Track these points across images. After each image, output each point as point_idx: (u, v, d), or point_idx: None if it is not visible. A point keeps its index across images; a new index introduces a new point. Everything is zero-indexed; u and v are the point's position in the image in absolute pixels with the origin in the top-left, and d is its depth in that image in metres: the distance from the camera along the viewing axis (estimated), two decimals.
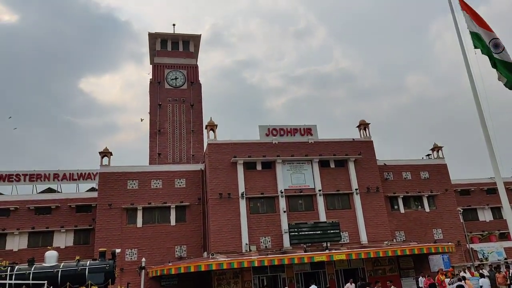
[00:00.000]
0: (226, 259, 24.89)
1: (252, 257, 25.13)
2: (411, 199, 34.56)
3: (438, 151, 37.02)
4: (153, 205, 30.46)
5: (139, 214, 30.11)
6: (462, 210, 33.57)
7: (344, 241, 29.69)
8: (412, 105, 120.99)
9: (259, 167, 31.00)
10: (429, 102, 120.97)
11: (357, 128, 34.65)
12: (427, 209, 34.34)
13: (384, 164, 34.69)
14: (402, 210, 33.81)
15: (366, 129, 34.27)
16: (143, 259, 23.41)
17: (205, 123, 34.38)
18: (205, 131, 33.92)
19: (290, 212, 30.19)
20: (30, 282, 18.95)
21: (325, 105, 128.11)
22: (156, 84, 41.11)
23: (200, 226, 30.91)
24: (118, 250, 21.81)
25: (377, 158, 33.63)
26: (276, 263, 25.19)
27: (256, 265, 24.95)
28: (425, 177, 35.37)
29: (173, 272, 25.21)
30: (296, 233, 28.30)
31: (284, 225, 29.25)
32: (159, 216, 30.68)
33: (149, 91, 41.16)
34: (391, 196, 33.83)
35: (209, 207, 29.50)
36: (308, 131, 32.83)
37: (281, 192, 30.27)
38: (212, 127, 31.72)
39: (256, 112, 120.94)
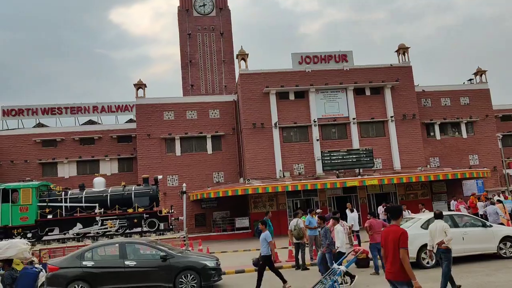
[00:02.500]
0: (261, 184, 26.04)
1: (286, 182, 26.14)
2: (448, 125, 33.78)
3: (481, 76, 35.19)
4: (189, 135, 31.53)
5: (177, 144, 31.40)
6: (501, 136, 32.62)
7: (376, 167, 30.00)
8: (459, 26, 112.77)
9: (292, 97, 30.86)
10: (478, 23, 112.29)
11: (396, 53, 33.16)
12: (464, 135, 33.61)
13: (423, 90, 33.57)
14: (438, 136, 33.27)
15: (406, 53, 32.75)
16: (184, 184, 24.82)
17: (236, 52, 33.94)
18: (236, 61, 33.60)
19: (323, 140, 30.45)
20: (83, 204, 20.81)
21: (363, 29, 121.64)
22: (184, 12, 40.22)
23: (235, 154, 31.98)
24: (160, 177, 23.18)
25: (415, 84, 32.54)
26: (309, 187, 26.17)
27: (289, 189, 26.05)
28: (465, 103, 34.12)
29: (212, 196, 26.85)
30: (329, 160, 28.78)
31: (317, 153, 29.73)
32: (196, 145, 31.89)
33: (178, 20, 40.47)
34: (428, 123, 33.15)
35: (243, 137, 30.21)
36: (344, 57, 31.80)
37: (314, 121, 30.32)
38: (243, 56, 31.31)
39: (290, 40, 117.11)
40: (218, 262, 11.53)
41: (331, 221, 12.56)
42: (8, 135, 33.51)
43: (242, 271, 13.58)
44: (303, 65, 31.24)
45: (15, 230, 19.96)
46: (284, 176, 28.87)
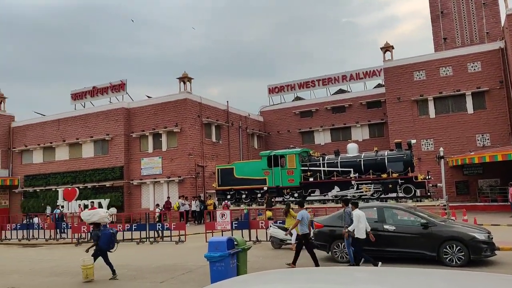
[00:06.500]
0: None
1: None
2: None
3: None
4: (444, 94, 28.45)
5: (431, 105, 28.93)
6: None
7: None
8: None
9: None
10: None
11: None
12: None
13: None
14: None
15: None
16: (441, 149, 22.59)
17: None
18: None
19: None
20: (339, 169, 22.17)
21: None
22: None
23: (505, 112, 26.80)
24: (413, 141, 22.06)
25: None
26: None
27: None
28: None
29: (476, 161, 23.51)
30: None
31: None
32: (453, 105, 28.54)
33: None
34: None
35: None
36: None
37: None
38: None
39: None
40: (490, 236, 9.99)
41: None
42: (274, 110, 39.29)
43: None
44: None
45: (285, 190, 23.38)
46: None
